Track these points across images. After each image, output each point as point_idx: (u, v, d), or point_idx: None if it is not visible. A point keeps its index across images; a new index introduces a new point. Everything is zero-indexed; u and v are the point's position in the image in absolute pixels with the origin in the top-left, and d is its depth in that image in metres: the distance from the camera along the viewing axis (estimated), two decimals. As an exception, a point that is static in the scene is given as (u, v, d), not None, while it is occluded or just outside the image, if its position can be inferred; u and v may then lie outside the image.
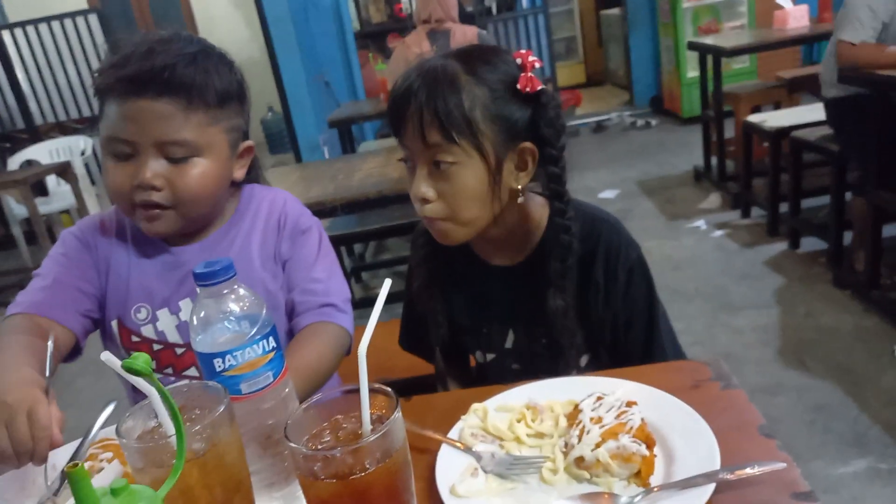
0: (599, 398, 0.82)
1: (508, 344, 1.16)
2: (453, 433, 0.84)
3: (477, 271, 1.15)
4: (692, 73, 5.65)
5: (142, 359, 0.49)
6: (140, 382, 0.54)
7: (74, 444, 0.92)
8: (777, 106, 4.32)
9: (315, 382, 1.04)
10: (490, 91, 0.97)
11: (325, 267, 1.19)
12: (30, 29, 5.93)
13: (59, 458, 0.89)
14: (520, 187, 1.03)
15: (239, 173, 1.17)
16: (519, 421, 0.85)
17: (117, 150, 1.04)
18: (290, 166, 4.06)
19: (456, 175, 0.98)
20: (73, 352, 1.12)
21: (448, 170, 0.98)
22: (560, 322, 1.04)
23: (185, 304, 1.15)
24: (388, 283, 0.60)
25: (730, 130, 4.28)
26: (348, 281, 3.67)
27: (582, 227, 1.04)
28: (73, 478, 0.43)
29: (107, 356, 0.53)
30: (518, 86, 0.98)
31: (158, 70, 1.00)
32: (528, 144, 1.01)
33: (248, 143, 1.17)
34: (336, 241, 3.48)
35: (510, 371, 1.17)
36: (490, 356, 1.19)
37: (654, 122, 6.41)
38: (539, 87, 0.98)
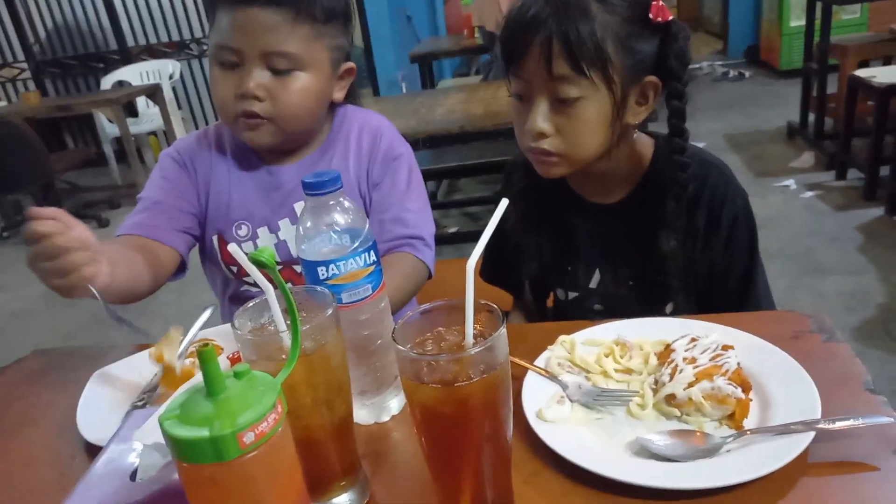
0: (693, 340, 0.80)
1: (593, 284, 1.14)
2: (539, 362, 0.85)
3: (572, 208, 1.13)
4: (795, 22, 5.30)
5: (267, 252, 0.51)
6: (259, 276, 0.56)
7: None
8: (887, 61, 4.02)
9: None
10: (621, 20, 0.92)
11: (417, 197, 1.19)
12: (125, -49, 6.05)
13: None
14: (635, 123, 1.00)
15: (339, 95, 1.17)
16: (607, 356, 0.84)
17: (224, 59, 1.06)
18: (371, 99, 4.08)
19: (580, 109, 0.94)
20: (179, 269, 1.17)
21: (572, 104, 0.94)
22: (672, 264, 1.02)
23: (285, 224, 1.18)
24: (504, 202, 0.59)
25: (832, 86, 4.02)
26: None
27: (693, 167, 1.01)
28: (203, 357, 0.46)
29: (234, 248, 0.55)
30: (650, 14, 0.93)
31: None
32: (652, 78, 0.97)
33: (349, 64, 1.17)
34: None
35: (591, 311, 1.16)
36: (573, 294, 1.18)
37: (747, 73, 6.08)
38: (670, 17, 0.94)
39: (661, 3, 0.94)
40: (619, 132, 0.99)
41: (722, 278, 1.06)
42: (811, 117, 4.12)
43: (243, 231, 1.18)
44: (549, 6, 0.92)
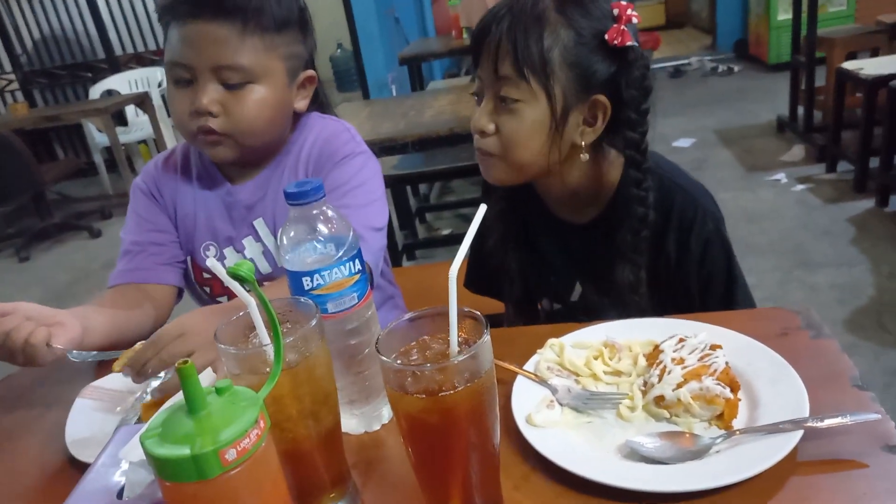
0: (682, 340, 0.80)
1: (574, 297, 1.14)
2: (529, 366, 0.85)
3: (547, 224, 1.13)
4: (783, 15, 5.32)
5: (245, 266, 0.50)
6: (240, 290, 0.56)
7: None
8: (875, 53, 4.04)
9: None
10: (576, 35, 0.93)
11: (360, 194, 1.11)
12: (111, -41, 6.03)
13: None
14: (583, 143, 0.98)
15: (301, 104, 1.14)
16: (596, 358, 0.84)
17: (178, 76, 1.04)
18: (360, 102, 4.06)
19: (518, 113, 0.95)
20: (178, 297, 1.20)
21: (512, 107, 0.95)
22: (627, 295, 1.01)
23: (248, 243, 1.17)
24: (482, 207, 0.59)
25: (820, 79, 4.03)
26: (412, 221, 3.71)
27: (656, 194, 0.99)
28: (183, 374, 0.45)
29: (212, 262, 0.54)
30: (606, 37, 0.93)
31: None
32: (601, 97, 0.96)
33: (309, 72, 1.14)
34: (403, 180, 3.48)
35: (577, 322, 1.16)
36: (557, 306, 1.18)
37: (736, 67, 6.10)
38: (628, 43, 0.93)
39: (622, 27, 0.93)
40: (563, 148, 0.98)
41: (701, 298, 1.04)
42: (800, 110, 4.13)
43: (211, 252, 1.18)
44: (510, 9, 0.94)
